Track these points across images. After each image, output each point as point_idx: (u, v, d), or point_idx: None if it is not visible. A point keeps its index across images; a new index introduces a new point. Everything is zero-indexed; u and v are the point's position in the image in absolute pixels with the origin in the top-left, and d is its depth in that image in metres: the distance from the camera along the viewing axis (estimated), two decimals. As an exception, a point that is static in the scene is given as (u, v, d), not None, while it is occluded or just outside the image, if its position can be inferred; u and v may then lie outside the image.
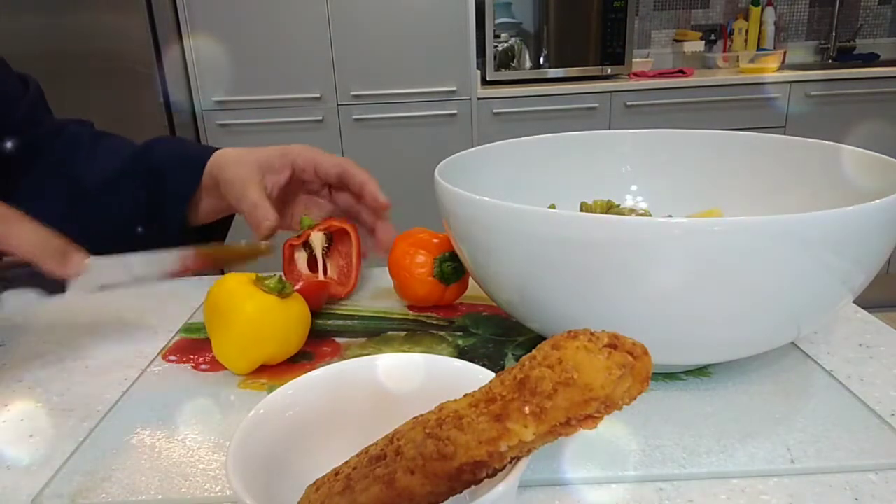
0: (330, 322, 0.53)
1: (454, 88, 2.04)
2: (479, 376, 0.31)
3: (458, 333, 0.50)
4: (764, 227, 0.32)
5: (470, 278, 0.54)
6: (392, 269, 0.54)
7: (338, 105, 2.05)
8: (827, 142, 0.49)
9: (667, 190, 0.57)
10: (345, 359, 0.46)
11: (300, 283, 0.50)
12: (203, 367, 0.46)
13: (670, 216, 0.52)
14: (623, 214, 0.53)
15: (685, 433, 0.36)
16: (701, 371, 0.42)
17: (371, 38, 1.99)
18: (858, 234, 0.34)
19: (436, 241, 0.53)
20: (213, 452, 0.36)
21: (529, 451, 0.25)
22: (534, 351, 0.26)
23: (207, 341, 0.45)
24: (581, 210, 0.55)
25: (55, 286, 0.44)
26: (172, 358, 0.48)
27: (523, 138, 0.58)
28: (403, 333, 0.50)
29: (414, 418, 0.26)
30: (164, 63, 1.90)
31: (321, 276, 0.57)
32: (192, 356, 0.48)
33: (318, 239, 0.57)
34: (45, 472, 0.35)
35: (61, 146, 0.62)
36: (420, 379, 0.33)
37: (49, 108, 0.70)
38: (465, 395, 0.26)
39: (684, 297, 0.34)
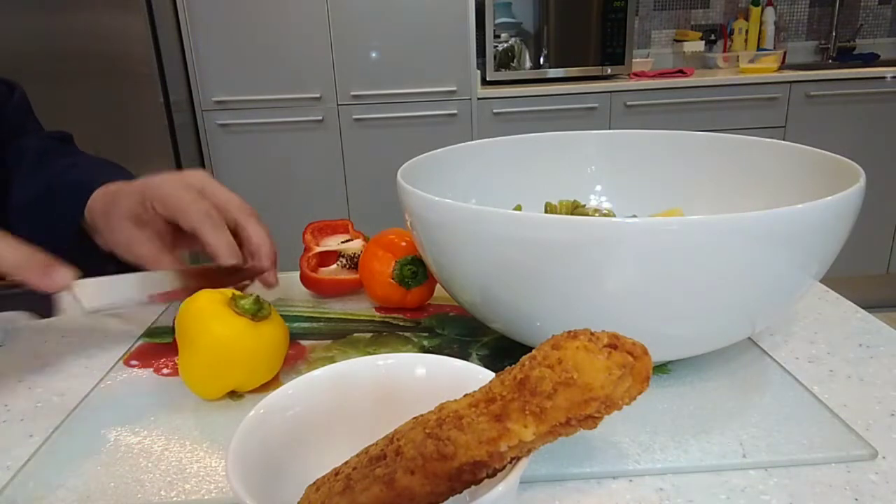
0: (296, 325, 0.52)
1: (454, 88, 2.04)
2: (479, 376, 0.31)
3: (424, 334, 0.49)
4: (716, 225, 0.33)
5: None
6: (360, 269, 0.54)
7: (338, 105, 2.05)
8: (785, 142, 0.50)
9: (633, 190, 0.58)
10: (310, 361, 0.46)
11: None
12: (164, 371, 0.46)
13: (634, 216, 0.52)
14: (587, 215, 0.53)
15: (641, 430, 0.37)
16: (660, 368, 0.43)
17: (371, 38, 1.99)
18: (806, 231, 0.34)
19: (403, 243, 0.53)
20: (181, 457, 0.36)
21: (529, 451, 0.25)
22: (534, 351, 0.26)
23: (171, 346, 0.44)
24: (546, 211, 0.55)
25: (45, 309, 0.43)
26: (134, 363, 0.47)
27: (489, 139, 0.58)
28: (369, 335, 0.50)
29: (414, 418, 0.26)
30: (164, 63, 1.90)
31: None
32: (153, 361, 0.47)
33: (356, 245, 0.58)
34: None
35: (9, 161, 0.61)
36: (420, 379, 0.33)
37: (34, 116, 0.69)
38: (465, 395, 0.26)
39: (644, 295, 0.35)
